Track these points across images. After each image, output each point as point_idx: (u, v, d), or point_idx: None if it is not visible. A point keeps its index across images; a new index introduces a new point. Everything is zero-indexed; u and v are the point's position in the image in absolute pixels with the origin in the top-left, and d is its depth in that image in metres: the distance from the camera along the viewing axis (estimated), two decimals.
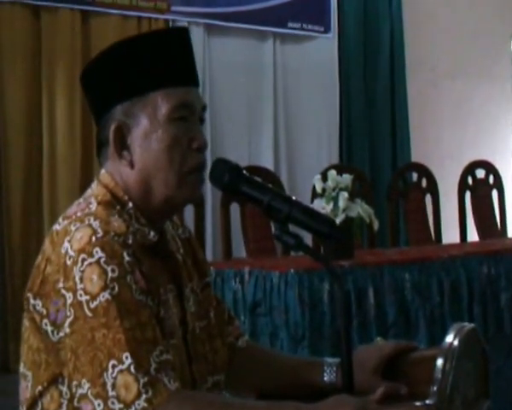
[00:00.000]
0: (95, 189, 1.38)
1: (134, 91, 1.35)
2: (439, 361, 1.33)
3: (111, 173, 1.38)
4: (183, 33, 1.42)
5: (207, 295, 1.52)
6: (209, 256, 4.91)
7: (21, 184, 4.76)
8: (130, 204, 1.36)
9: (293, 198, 1.35)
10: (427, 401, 1.31)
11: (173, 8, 5.29)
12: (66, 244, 1.27)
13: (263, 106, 5.70)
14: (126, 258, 1.27)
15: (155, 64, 1.36)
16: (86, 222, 1.28)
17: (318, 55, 5.90)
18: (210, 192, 4.96)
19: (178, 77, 1.37)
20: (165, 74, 1.36)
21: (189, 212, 3.95)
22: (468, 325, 1.42)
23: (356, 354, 1.41)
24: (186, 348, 1.40)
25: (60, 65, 4.77)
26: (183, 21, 5.28)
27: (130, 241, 1.29)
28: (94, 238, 1.26)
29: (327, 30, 5.94)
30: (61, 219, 1.34)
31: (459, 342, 1.35)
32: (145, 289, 1.28)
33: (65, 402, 1.28)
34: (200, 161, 1.37)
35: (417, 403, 1.32)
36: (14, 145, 4.72)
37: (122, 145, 1.36)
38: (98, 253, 1.25)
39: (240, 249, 4.15)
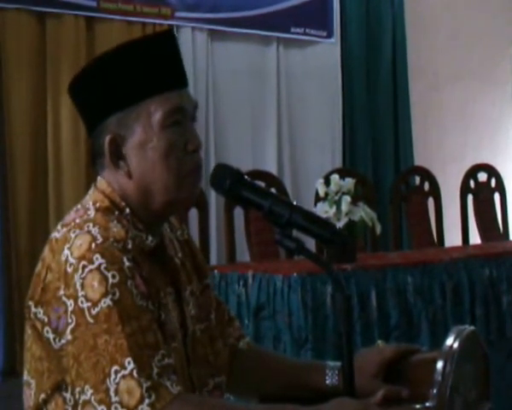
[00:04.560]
0: (92, 195, 1.38)
1: (126, 102, 1.35)
2: (439, 364, 1.33)
3: (108, 180, 1.38)
4: (169, 36, 1.42)
5: (207, 297, 1.52)
6: (213, 260, 4.93)
7: (27, 189, 4.79)
8: (128, 210, 1.37)
9: (294, 203, 1.37)
10: (427, 404, 1.32)
11: (177, 14, 5.31)
12: (66, 252, 1.27)
13: (266, 110, 5.71)
14: (126, 263, 1.27)
15: (145, 72, 1.35)
16: (85, 229, 1.29)
17: (321, 59, 5.91)
18: (214, 196, 4.97)
19: (168, 82, 1.37)
20: (155, 81, 1.36)
21: (193, 216, 3.97)
22: (468, 328, 1.42)
23: (357, 358, 1.41)
24: (185, 351, 1.40)
25: (64, 71, 4.79)
26: (186, 27, 5.30)
27: (129, 246, 1.30)
28: (94, 245, 1.26)
29: (330, 35, 5.96)
30: (59, 227, 1.34)
31: (459, 344, 1.36)
32: (146, 293, 1.29)
33: (69, 409, 1.28)
34: (196, 162, 1.38)
35: (417, 406, 1.33)
36: (19, 151, 4.74)
37: (118, 156, 1.36)
38: (98, 259, 1.25)
39: (244, 253, 4.16)
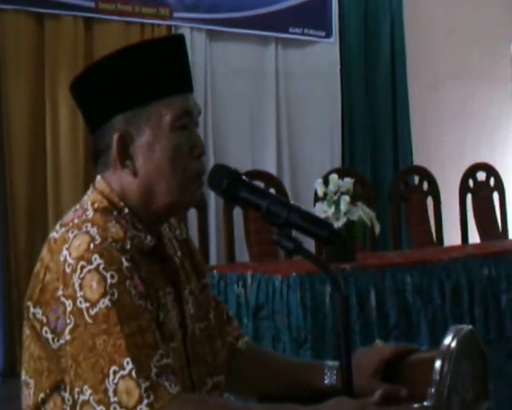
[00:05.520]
0: (91, 195, 1.39)
1: (136, 102, 1.36)
2: (437, 363, 1.33)
3: (108, 180, 1.39)
4: (180, 40, 1.44)
5: (206, 297, 1.53)
6: (213, 260, 4.93)
7: (26, 189, 4.80)
8: (126, 210, 1.37)
9: (292, 203, 1.37)
10: (426, 403, 1.32)
11: (175, 15, 5.31)
12: (65, 252, 1.28)
13: (265, 111, 5.72)
14: (125, 263, 1.28)
15: (157, 74, 1.37)
16: (84, 229, 1.29)
17: (320, 59, 5.92)
18: (213, 197, 4.97)
19: (178, 85, 1.39)
20: (166, 84, 1.37)
21: (192, 216, 3.97)
22: (466, 327, 1.43)
23: (355, 357, 1.42)
24: (185, 350, 1.41)
25: (63, 71, 4.80)
26: (185, 27, 5.30)
27: (128, 246, 1.30)
28: (92, 245, 1.27)
29: (328, 35, 5.96)
30: (58, 227, 1.35)
31: (457, 343, 1.36)
32: (144, 293, 1.29)
33: (67, 409, 1.29)
34: (200, 168, 1.40)
35: (415, 405, 1.33)
36: (18, 151, 4.75)
37: (125, 154, 1.37)
38: (97, 259, 1.26)
39: (243, 253, 4.17)
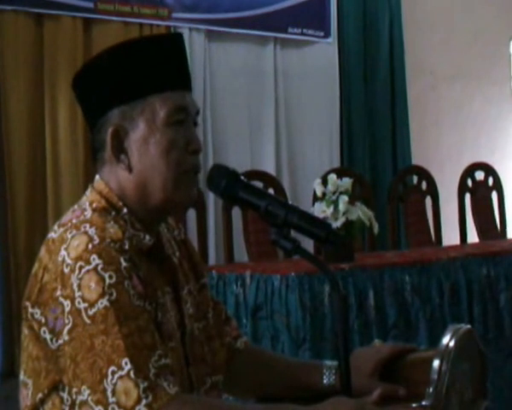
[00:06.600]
0: (89, 196, 1.39)
1: (131, 95, 1.36)
2: (436, 362, 1.34)
3: (106, 180, 1.39)
4: (179, 39, 1.44)
5: (204, 297, 1.53)
6: (211, 260, 4.92)
7: (26, 191, 4.79)
8: (125, 210, 1.37)
9: (291, 203, 1.38)
10: (424, 402, 1.32)
11: (174, 15, 5.31)
12: (63, 252, 1.28)
13: (264, 111, 5.71)
14: (123, 264, 1.28)
15: (153, 69, 1.37)
16: (82, 229, 1.29)
17: (319, 59, 5.91)
18: (212, 197, 4.97)
19: (175, 81, 1.39)
20: (162, 79, 1.38)
21: (191, 216, 3.98)
22: (464, 326, 1.43)
23: (354, 357, 1.42)
24: (184, 350, 1.41)
25: (62, 72, 4.80)
26: (184, 28, 5.30)
27: (126, 246, 1.30)
28: (90, 245, 1.27)
29: (327, 35, 5.96)
30: (56, 227, 1.35)
31: (455, 343, 1.37)
32: (143, 293, 1.29)
33: (66, 409, 1.29)
34: (195, 164, 1.40)
35: (414, 404, 1.33)
36: (17, 153, 4.74)
37: (119, 149, 1.37)
38: (95, 260, 1.26)
39: (242, 253, 4.17)
